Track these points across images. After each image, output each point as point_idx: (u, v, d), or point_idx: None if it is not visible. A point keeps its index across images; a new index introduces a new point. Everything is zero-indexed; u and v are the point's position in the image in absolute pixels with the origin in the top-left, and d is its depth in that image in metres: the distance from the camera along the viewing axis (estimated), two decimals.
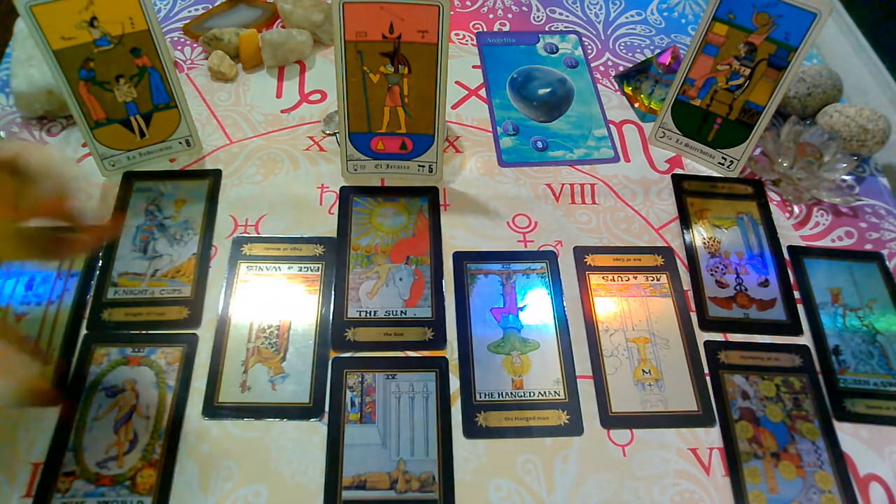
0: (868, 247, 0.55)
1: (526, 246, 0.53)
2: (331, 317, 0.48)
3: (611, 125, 0.62)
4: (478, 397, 0.45)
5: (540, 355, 0.47)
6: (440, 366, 0.46)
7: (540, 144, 0.60)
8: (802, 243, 0.55)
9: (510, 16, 0.70)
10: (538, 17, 0.71)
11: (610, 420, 0.45)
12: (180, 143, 0.56)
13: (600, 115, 0.62)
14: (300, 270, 0.50)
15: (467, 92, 0.63)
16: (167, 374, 0.45)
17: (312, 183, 0.55)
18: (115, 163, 0.54)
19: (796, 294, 0.52)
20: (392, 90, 0.49)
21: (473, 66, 0.65)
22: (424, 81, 0.49)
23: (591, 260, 0.52)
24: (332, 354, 0.46)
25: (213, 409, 0.44)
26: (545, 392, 0.46)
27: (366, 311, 0.48)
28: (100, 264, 0.49)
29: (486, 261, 0.51)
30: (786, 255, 0.54)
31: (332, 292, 0.49)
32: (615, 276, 0.51)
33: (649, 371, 0.47)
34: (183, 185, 0.54)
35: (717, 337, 0.49)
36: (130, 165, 0.55)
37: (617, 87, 0.65)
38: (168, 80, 0.52)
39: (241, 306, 0.48)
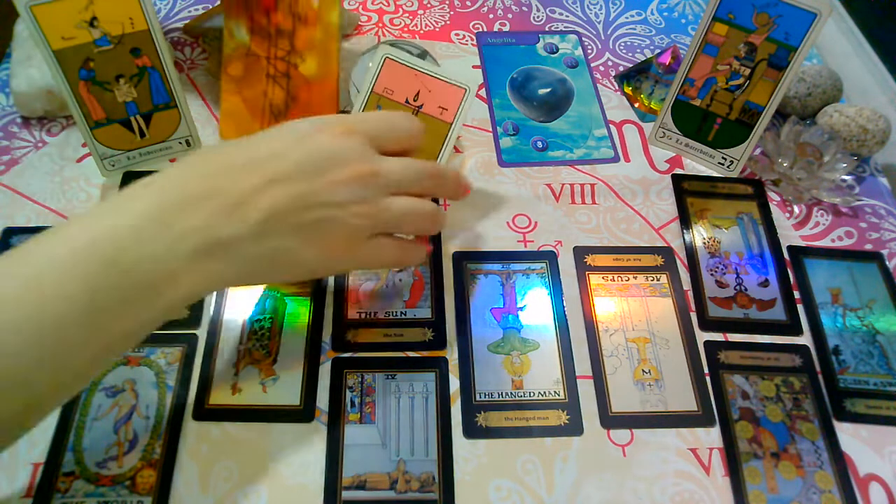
0: (868, 247, 0.55)
1: (526, 246, 0.53)
2: (330, 318, 0.48)
3: (611, 125, 0.62)
4: (478, 397, 0.45)
5: (540, 355, 0.47)
6: (440, 366, 0.46)
7: (540, 144, 0.60)
8: (802, 243, 0.55)
9: (510, 16, 0.70)
10: (538, 17, 0.71)
11: (610, 420, 0.45)
12: (180, 143, 0.56)
13: (600, 115, 0.62)
14: None
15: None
16: (167, 374, 0.45)
17: None
18: (115, 163, 0.54)
19: (796, 294, 0.52)
20: None
21: (473, 66, 0.65)
22: (427, 155, 0.48)
23: (591, 260, 0.52)
24: (332, 355, 0.46)
25: (203, 412, 0.44)
26: (545, 392, 0.46)
27: (366, 313, 0.48)
28: None
29: (486, 261, 0.51)
30: (786, 255, 0.54)
31: (327, 294, 0.49)
32: (615, 276, 0.51)
33: (649, 371, 0.47)
34: None
35: (717, 337, 0.49)
36: (130, 165, 0.55)
37: (617, 87, 0.65)
38: (168, 80, 0.52)
39: (233, 309, 0.48)
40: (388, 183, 0.38)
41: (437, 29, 0.68)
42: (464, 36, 0.68)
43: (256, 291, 0.49)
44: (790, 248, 0.54)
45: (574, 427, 0.44)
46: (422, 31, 0.68)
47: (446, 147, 0.47)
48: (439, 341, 0.47)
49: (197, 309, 0.48)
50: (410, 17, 0.69)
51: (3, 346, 0.30)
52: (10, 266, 0.32)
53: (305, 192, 0.36)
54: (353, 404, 0.44)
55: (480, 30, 0.69)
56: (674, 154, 0.60)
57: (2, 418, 0.32)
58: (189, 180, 0.35)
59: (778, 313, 0.50)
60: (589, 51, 0.68)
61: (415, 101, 0.45)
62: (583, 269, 0.52)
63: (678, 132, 0.59)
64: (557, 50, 0.67)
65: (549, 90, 0.64)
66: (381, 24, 0.68)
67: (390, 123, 0.40)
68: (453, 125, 0.45)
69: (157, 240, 0.33)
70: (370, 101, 0.46)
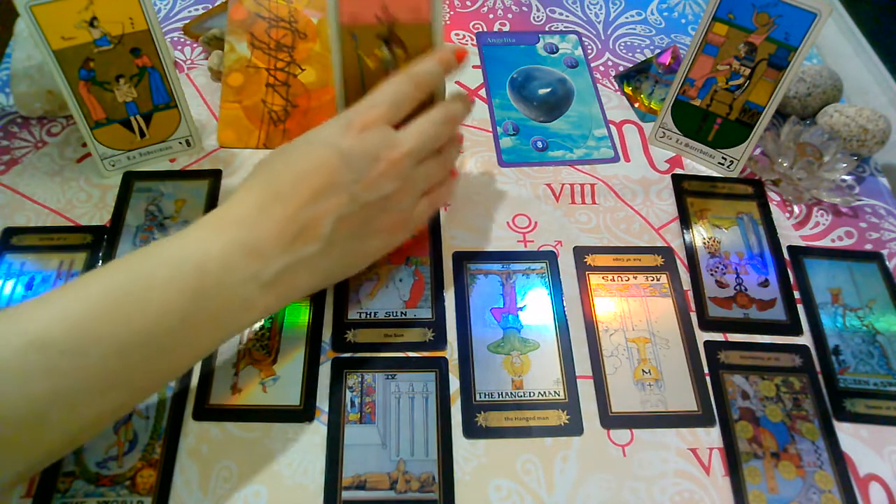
0: (868, 247, 0.55)
1: (526, 246, 0.53)
2: (330, 318, 0.48)
3: (611, 125, 0.62)
4: (478, 397, 0.45)
5: (540, 355, 0.47)
6: (440, 366, 0.46)
7: (540, 144, 0.60)
8: (802, 243, 0.55)
9: (510, 16, 0.70)
10: (538, 17, 0.71)
11: (610, 420, 0.45)
12: (180, 143, 0.56)
13: (600, 115, 0.62)
14: None
15: (467, 92, 0.63)
16: None
17: None
18: (115, 163, 0.54)
19: (796, 294, 0.52)
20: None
21: (473, 66, 0.65)
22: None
23: (590, 260, 0.52)
24: (332, 355, 0.46)
25: (203, 412, 0.44)
26: (545, 392, 0.46)
27: (366, 313, 0.48)
28: (99, 264, 0.49)
29: (486, 261, 0.51)
30: (786, 255, 0.54)
31: (327, 294, 0.49)
32: (615, 276, 0.51)
33: (649, 371, 0.47)
34: (183, 185, 0.54)
35: (717, 337, 0.49)
36: (130, 165, 0.55)
37: (617, 87, 0.65)
38: (168, 80, 0.52)
39: None
40: (417, 157, 0.42)
41: None
42: (464, 36, 0.68)
43: None
44: (790, 248, 0.54)
45: (574, 427, 0.44)
46: None
47: (437, 46, 0.46)
48: (439, 341, 0.47)
49: None
50: None
51: (67, 364, 0.32)
52: (93, 284, 0.34)
53: (356, 194, 0.39)
54: (353, 404, 0.44)
55: (480, 30, 0.69)
56: (674, 154, 0.60)
57: (69, 436, 0.34)
58: (261, 211, 0.38)
59: (778, 313, 0.50)
60: (589, 51, 0.68)
61: (384, 14, 0.44)
62: (583, 269, 0.52)
63: (678, 132, 0.59)
64: (557, 50, 0.67)
65: (549, 90, 0.64)
66: None
67: (396, 97, 0.42)
68: (433, 22, 0.44)
69: (242, 271, 0.36)
70: (343, 36, 0.45)
